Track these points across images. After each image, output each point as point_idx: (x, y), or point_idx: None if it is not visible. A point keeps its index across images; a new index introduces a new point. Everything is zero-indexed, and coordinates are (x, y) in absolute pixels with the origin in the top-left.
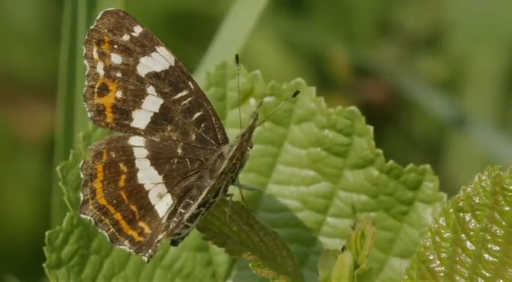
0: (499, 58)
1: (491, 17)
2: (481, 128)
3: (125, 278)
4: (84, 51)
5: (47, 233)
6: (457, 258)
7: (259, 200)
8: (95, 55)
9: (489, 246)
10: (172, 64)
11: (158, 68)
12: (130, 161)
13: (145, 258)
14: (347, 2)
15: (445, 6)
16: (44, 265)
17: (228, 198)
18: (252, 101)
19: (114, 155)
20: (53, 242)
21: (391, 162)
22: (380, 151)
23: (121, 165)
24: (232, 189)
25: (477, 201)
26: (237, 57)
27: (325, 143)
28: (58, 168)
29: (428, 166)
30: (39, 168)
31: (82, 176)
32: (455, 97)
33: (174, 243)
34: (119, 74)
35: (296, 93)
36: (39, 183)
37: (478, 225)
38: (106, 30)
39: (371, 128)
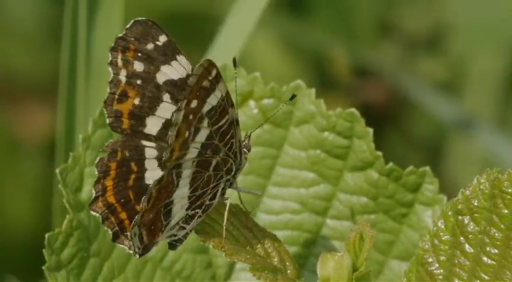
0: (499, 59)
1: (491, 19)
2: (482, 129)
3: (125, 280)
4: (110, 59)
5: (46, 236)
6: (456, 261)
7: (259, 202)
8: (119, 62)
9: (488, 249)
10: (190, 72)
11: (175, 76)
12: (140, 160)
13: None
14: (348, 3)
15: (445, 8)
16: (43, 268)
17: (226, 201)
18: (252, 103)
19: (127, 154)
20: (53, 244)
21: (390, 164)
22: (379, 153)
23: (132, 164)
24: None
25: (476, 204)
26: (234, 61)
27: (324, 145)
28: (57, 170)
29: (428, 168)
30: (40, 169)
31: (96, 172)
32: (455, 98)
33: (172, 246)
34: (139, 81)
35: (293, 96)
36: (39, 184)
37: (476, 228)
38: (133, 39)
39: (371, 130)
